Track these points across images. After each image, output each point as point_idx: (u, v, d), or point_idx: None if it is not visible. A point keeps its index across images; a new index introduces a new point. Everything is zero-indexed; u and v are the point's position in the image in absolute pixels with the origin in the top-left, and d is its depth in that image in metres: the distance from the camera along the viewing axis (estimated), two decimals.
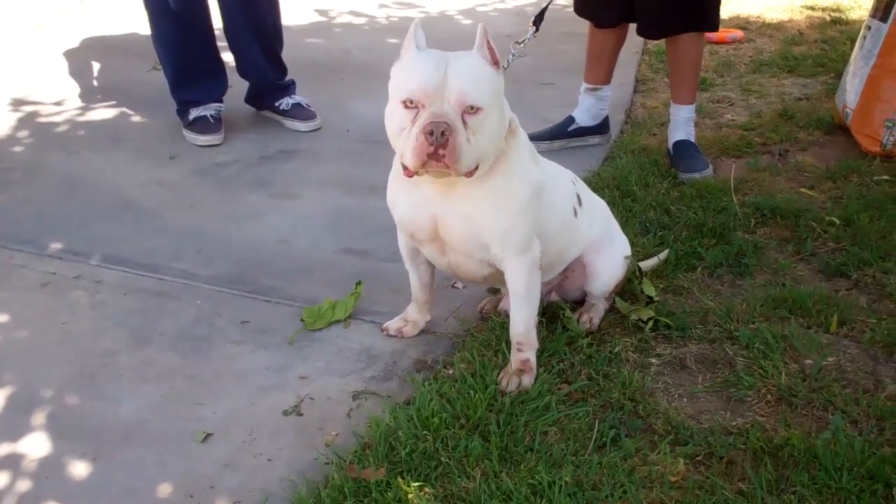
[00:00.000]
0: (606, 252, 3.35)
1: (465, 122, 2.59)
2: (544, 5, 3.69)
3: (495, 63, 2.71)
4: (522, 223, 2.90)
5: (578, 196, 3.26)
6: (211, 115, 5.23)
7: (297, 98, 5.50)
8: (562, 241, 3.20)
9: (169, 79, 5.27)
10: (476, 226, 2.87)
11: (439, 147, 2.54)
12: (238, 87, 5.51)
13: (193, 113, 5.23)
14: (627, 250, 3.43)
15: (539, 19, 3.57)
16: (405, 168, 2.68)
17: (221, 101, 5.34)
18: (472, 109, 2.60)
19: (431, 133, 2.53)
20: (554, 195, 3.09)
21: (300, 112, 5.44)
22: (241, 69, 5.46)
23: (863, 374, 3.05)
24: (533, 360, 3.04)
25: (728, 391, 2.98)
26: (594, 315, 3.36)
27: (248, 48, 5.30)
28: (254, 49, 5.29)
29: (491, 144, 2.72)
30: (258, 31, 5.25)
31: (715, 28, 4.81)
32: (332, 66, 5.78)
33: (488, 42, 2.69)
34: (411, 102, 2.60)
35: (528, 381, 2.98)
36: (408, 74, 2.66)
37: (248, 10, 5.15)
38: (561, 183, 3.20)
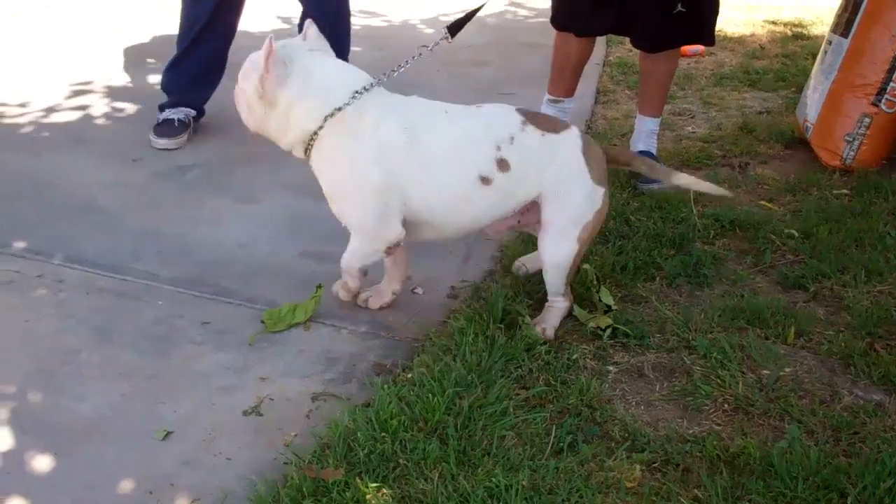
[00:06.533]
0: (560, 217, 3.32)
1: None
2: (463, 16, 3.63)
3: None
4: (350, 209, 3.26)
5: (504, 161, 3.22)
6: (178, 119, 5.22)
7: None
8: (463, 214, 3.28)
9: (172, 62, 5.32)
10: None
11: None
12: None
13: (164, 114, 5.23)
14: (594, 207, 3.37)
15: (456, 29, 3.54)
16: None
17: (198, 109, 5.37)
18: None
19: None
20: (427, 172, 3.19)
21: None
22: None
23: (819, 385, 3.09)
24: (352, 284, 3.52)
25: (685, 399, 3.00)
26: (548, 324, 3.38)
27: None
28: None
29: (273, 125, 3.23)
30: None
31: (712, 42, 4.84)
32: None
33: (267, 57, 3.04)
34: None
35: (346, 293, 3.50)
36: None
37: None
38: (455, 155, 3.22)
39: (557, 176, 3.28)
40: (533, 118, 3.30)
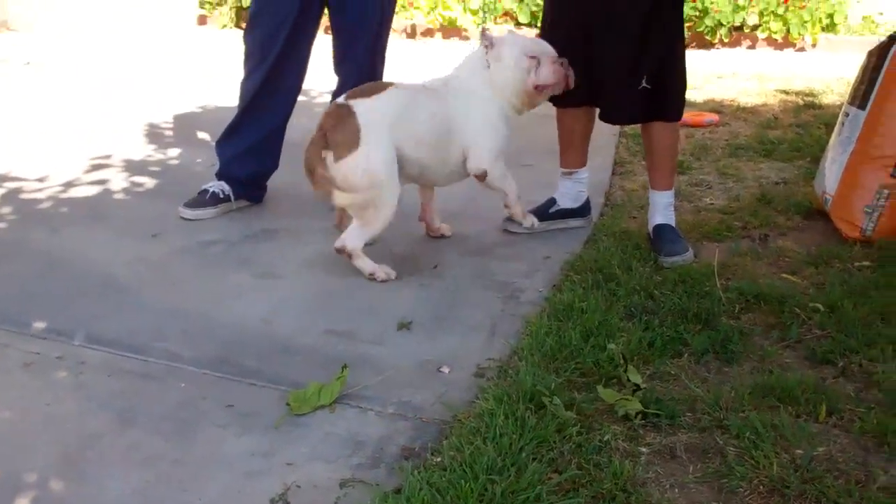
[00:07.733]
0: None
1: None
2: None
3: None
4: None
5: None
6: (212, 192, 5.24)
7: None
8: None
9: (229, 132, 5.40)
10: None
11: None
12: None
13: (205, 185, 5.29)
14: None
15: None
16: None
17: (243, 184, 5.39)
18: None
19: None
20: None
21: None
22: None
23: (854, 464, 3.03)
24: None
25: (720, 482, 2.94)
26: None
27: None
28: None
29: None
30: None
31: (678, 118, 4.86)
32: None
33: None
34: None
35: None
36: None
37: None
38: None
39: None
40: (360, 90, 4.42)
